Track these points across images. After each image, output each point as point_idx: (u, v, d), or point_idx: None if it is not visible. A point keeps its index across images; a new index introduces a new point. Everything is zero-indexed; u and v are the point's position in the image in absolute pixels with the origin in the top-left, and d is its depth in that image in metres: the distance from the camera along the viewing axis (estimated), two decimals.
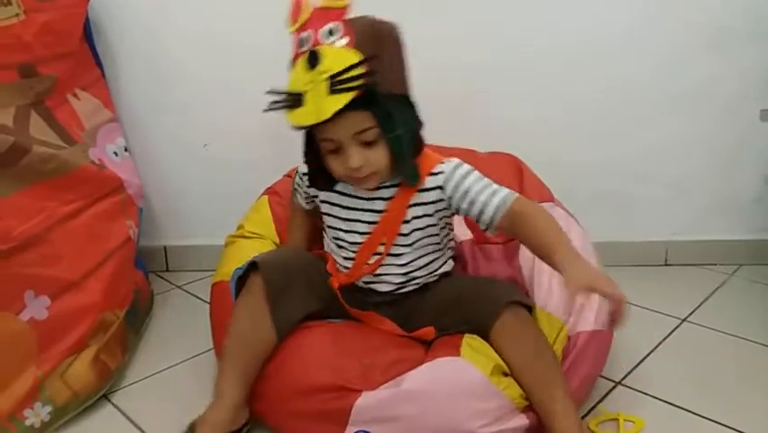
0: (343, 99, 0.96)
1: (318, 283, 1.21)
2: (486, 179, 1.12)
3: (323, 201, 1.23)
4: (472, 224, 1.58)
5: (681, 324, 1.56)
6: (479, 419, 1.03)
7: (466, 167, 1.14)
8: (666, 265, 1.93)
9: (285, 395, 1.11)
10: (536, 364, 1.07)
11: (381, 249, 1.18)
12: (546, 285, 1.28)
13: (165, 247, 1.96)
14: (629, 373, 1.34)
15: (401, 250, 1.18)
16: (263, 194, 1.56)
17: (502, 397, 1.05)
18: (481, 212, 1.10)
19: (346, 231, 1.20)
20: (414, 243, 1.18)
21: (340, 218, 1.20)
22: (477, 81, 1.75)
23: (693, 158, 1.83)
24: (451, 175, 1.12)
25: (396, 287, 1.22)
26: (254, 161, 1.80)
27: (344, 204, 1.19)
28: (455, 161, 1.14)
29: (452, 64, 1.70)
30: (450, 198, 1.13)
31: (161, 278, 1.92)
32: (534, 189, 1.55)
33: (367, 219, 1.18)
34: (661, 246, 1.92)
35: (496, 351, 1.09)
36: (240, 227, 1.50)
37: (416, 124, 1.10)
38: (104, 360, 1.30)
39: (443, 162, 1.14)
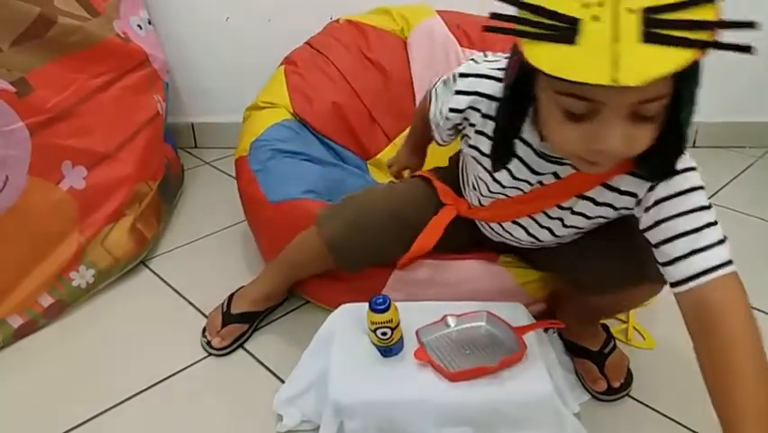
0: (671, 60, 0.56)
1: (395, 240, 1.04)
2: (712, 214, 0.75)
3: (474, 152, 0.91)
4: None
5: None
6: None
7: (694, 179, 0.76)
8: (694, 147, 1.90)
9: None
10: (604, 315, 1.07)
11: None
12: None
13: (192, 124, 1.99)
14: None
15: (550, 225, 0.93)
16: (281, 64, 1.55)
17: (528, 297, 1.09)
18: (661, 260, 0.78)
19: (493, 193, 0.94)
20: (566, 230, 0.93)
21: (494, 180, 0.91)
22: None
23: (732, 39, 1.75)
24: (668, 198, 0.76)
25: (522, 245, 1.02)
26: (277, 31, 1.77)
27: (512, 169, 0.87)
28: (693, 179, 0.76)
29: None
30: (641, 219, 0.80)
31: (191, 154, 1.96)
32: None
33: (523, 189, 0.89)
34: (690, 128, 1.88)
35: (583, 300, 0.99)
36: (255, 99, 1.50)
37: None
38: (140, 228, 1.37)
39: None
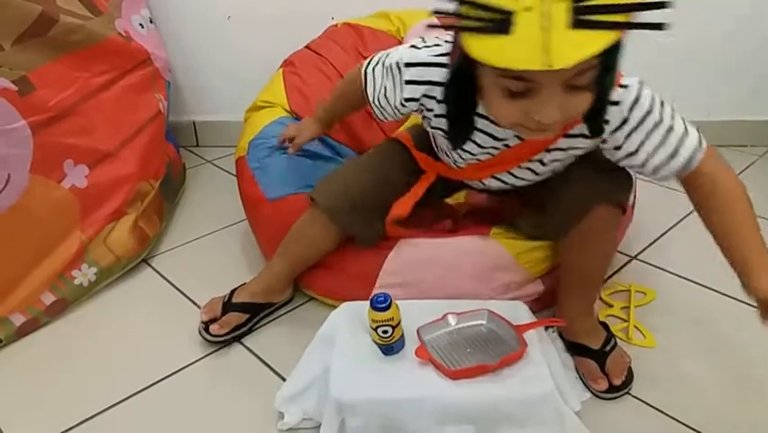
0: (597, 42, 0.63)
1: (387, 199, 1.10)
2: (667, 120, 0.87)
3: (431, 120, 0.99)
4: None
5: None
6: (497, 288, 1.10)
7: (645, 102, 0.86)
8: None
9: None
10: (589, 271, 1.04)
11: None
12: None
13: (194, 123, 1.99)
14: (645, 248, 1.38)
15: (523, 175, 1.02)
16: (281, 66, 1.56)
17: (524, 272, 1.11)
18: (651, 172, 0.90)
19: (465, 159, 1.03)
20: (541, 174, 1.02)
21: (464, 150, 1.00)
22: None
23: (735, 38, 1.75)
24: (620, 125, 0.86)
25: (495, 192, 1.12)
26: (278, 30, 1.77)
27: (476, 140, 0.96)
28: (631, 94, 0.85)
29: None
30: (610, 149, 0.90)
31: (192, 153, 1.96)
32: None
33: (492, 153, 0.98)
34: None
35: (562, 246, 1.04)
36: (254, 100, 1.52)
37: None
38: (142, 227, 1.37)
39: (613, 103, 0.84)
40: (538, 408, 0.85)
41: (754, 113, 1.85)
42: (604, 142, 0.90)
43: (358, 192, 1.07)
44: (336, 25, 1.64)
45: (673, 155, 0.87)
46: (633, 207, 1.28)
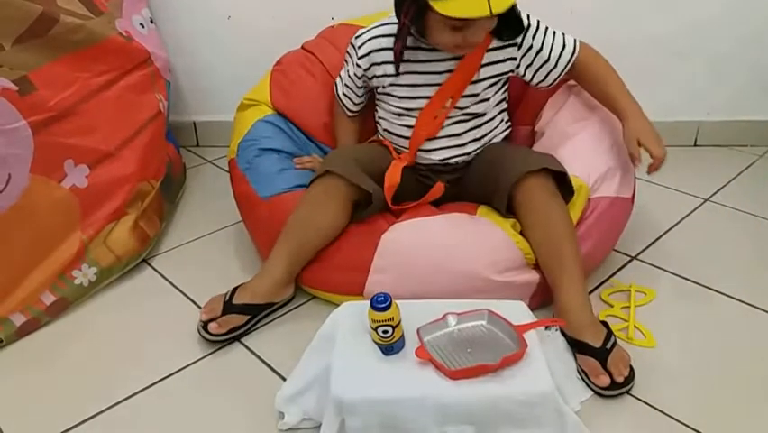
0: None
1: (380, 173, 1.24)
2: (548, 27, 1.22)
3: (383, 76, 1.24)
4: None
5: (703, 203, 1.57)
6: (494, 267, 1.11)
7: (531, 18, 1.20)
8: (695, 146, 1.90)
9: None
10: (550, 231, 1.10)
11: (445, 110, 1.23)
12: (571, 149, 1.26)
13: (194, 123, 1.99)
14: (646, 248, 1.38)
15: (468, 103, 1.23)
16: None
17: (516, 249, 1.12)
18: (554, 64, 1.22)
19: (411, 97, 1.23)
20: (481, 100, 1.23)
21: (406, 86, 1.23)
22: None
23: (733, 36, 1.75)
24: (527, 28, 1.18)
25: (452, 155, 1.26)
26: (279, 30, 1.77)
27: (413, 69, 1.21)
28: (523, 14, 1.18)
29: None
30: (524, 57, 1.22)
31: (193, 153, 1.96)
32: None
33: (434, 81, 1.21)
34: (692, 126, 1.88)
35: (515, 210, 1.15)
36: (241, 100, 1.52)
37: None
38: (142, 227, 1.37)
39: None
40: (538, 408, 0.85)
41: (754, 113, 1.85)
42: (519, 48, 1.21)
43: (362, 160, 1.21)
44: (333, 27, 1.64)
45: (564, 46, 1.21)
46: (633, 200, 1.28)
